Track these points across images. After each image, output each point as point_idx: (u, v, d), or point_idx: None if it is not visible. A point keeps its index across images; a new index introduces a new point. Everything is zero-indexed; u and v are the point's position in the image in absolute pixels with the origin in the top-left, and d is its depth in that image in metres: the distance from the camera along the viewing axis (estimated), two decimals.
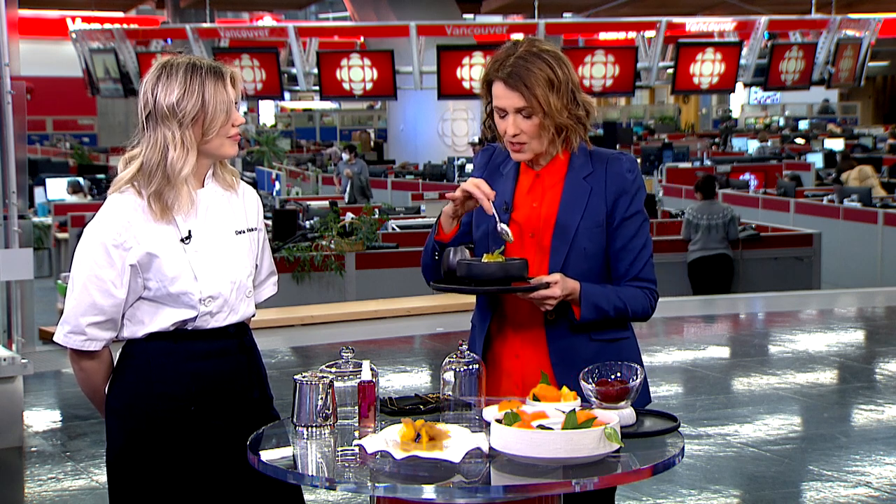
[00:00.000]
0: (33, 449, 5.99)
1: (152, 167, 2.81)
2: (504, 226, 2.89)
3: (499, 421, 2.50)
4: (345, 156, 18.09)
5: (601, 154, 2.98)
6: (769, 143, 24.14)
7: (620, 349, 2.97)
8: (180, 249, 2.84)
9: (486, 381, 2.89)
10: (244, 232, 2.96)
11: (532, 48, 2.91)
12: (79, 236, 2.91)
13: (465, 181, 2.92)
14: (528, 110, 2.88)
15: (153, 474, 2.88)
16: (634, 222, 2.96)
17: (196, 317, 2.85)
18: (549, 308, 2.86)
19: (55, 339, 2.90)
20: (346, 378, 2.75)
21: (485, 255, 2.89)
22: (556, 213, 2.94)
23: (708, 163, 19.84)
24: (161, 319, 2.85)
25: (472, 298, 3.09)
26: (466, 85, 17.61)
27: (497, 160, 3.05)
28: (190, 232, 2.85)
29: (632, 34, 19.83)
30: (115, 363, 2.96)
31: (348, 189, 17.05)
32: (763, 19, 18.98)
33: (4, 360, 5.93)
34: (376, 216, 11.74)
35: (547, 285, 2.82)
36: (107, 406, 2.94)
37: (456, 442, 2.49)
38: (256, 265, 3.01)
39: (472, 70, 17.52)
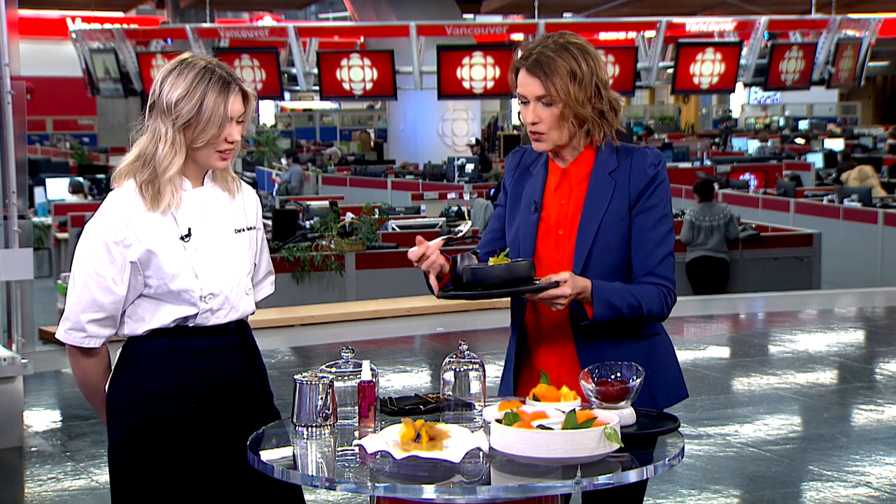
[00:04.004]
0: (33, 449, 5.99)
1: (147, 157, 2.85)
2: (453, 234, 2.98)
3: (499, 421, 2.50)
4: (283, 161, 18.01)
5: (627, 149, 2.98)
6: (769, 143, 24.14)
7: (651, 347, 2.96)
8: (180, 247, 2.85)
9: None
10: (244, 230, 2.98)
11: (560, 40, 2.92)
12: (79, 236, 2.92)
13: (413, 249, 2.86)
14: (548, 99, 2.88)
15: (155, 472, 2.88)
16: (652, 215, 2.93)
17: (197, 314, 2.87)
18: (560, 308, 2.83)
19: (56, 335, 2.92)
20: (346, 378, 2.75)
21: (490, 258, 2.88)
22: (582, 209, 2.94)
23: (708, 163, 19.84)
24: (162, 316, 2.87)
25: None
26: (466, 85, 17.60)
27: (527, 161, 3.06)
28: (189, 230, 2.87)
29: (632, 34, 19.81)
30: (114, 362, 2.96)
31: (275, 193, 16.96)
32: (763, 19, 18.97)
33: (4, 360, 5.93)
34: (376, 216, 11.74)
35: (556, 284, 2.78)
36: (108, 404, 2.94)
37: (456, 442, 2.48)
38: (255, 264, 3.03)
39: (472, 70, 17.51)
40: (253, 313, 3.02)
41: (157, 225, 2.84)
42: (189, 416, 2.88)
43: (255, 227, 3.02)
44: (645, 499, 5.13)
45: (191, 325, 2.88)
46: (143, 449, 2.88)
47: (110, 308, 2.85)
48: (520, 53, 2.96)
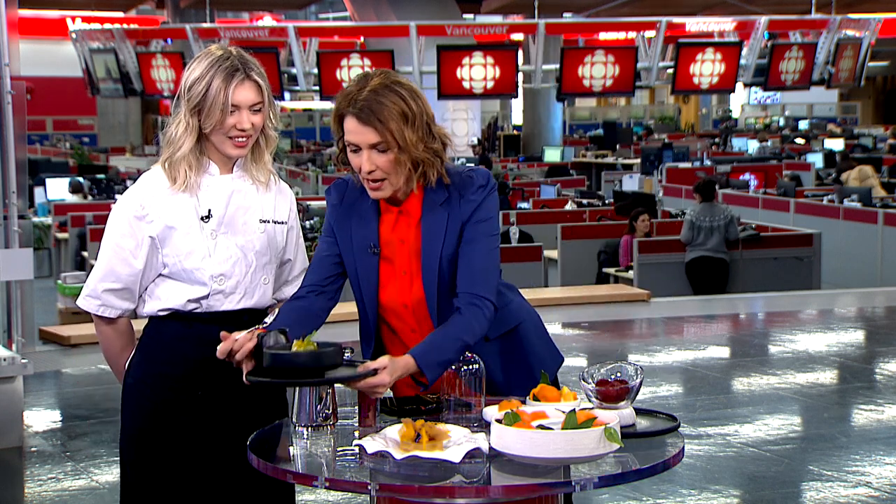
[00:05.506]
0: (33, 449, 5.99)
1: (170, 137, 2.96)
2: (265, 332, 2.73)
3: (499, 421, 2.50)
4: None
5: (454, 176, 2.88)
6: (769, 143, 24.15)
7: (521, 333, 2.98)
8: (198, 226, 2.94)
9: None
10: (269, 222, 3.04)
11: (385, 81, 2.80)
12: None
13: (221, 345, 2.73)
14: (383, 145, 2.77)
15: (160, 453, 2.96)
16: (473, 230, 2.85)
17: (208, 295, 2.94)
18: (379, 395, 2.70)
19: (77, 302, 3.06)
20: None
21: (295, 341, 2.69)
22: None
23: (708, 163, 19.84)
24: (175, 296, 2.95)
25: None
26: (466, 85, 17.58)
27: (352, 197, 2.93)
28: (210, 211, 2.96)
29: (632, 34, 19.79)
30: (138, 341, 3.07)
31: None
32: (763, 19, 18.95)
33: (4, 360, 5.93)
34: None
35: (375, 372, 2.64)
36: (124, 382, 3.05)
37: (456, 442, 2.49)
38: (289, 259, 3.12)
39: (472, 70, 17.49)
40: (271, 306, 3.07)
41: (178, 203, 2.94)
42: (194, 402, 2.96)
43: (285, 223, 3.09)
44: (645, 499, 5.15)
45: (203, 307, 2.95)
46: (151, 429, 2.97)
47: (127, 280, 2.95)
48: (341, 98, 2.81)
